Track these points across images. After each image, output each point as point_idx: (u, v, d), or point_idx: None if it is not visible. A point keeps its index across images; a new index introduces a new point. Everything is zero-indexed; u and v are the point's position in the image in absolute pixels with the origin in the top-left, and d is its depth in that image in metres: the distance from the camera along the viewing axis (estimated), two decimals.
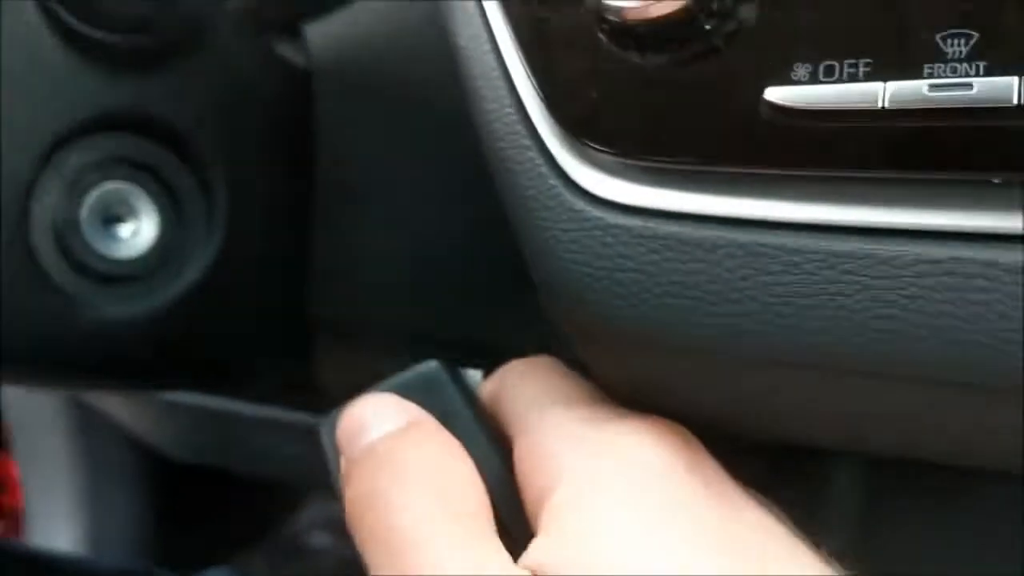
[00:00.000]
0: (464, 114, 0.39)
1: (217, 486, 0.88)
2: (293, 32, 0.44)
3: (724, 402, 0.26)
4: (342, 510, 0.28)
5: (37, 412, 0.92)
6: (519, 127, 0.25)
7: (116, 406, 0.79)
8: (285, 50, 0.44)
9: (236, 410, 0.66)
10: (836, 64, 0.21)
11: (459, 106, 0.40)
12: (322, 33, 0.45)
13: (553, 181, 0.25)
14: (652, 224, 0.23)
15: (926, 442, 0.24)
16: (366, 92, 0.44)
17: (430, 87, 0.42)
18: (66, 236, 0.38)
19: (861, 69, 0.21)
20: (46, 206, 0.38)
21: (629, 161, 0.24)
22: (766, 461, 0.41)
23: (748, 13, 0.23)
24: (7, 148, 0.36)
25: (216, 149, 0.41)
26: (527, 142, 0.25)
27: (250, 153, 0.43)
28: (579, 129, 0.25)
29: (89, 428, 0.89)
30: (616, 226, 0.24)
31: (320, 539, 0.97)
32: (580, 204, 0.24)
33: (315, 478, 0.35)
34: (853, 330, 0.21)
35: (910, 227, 0.21)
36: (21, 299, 0.38)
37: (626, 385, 0.26)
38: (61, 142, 0.38)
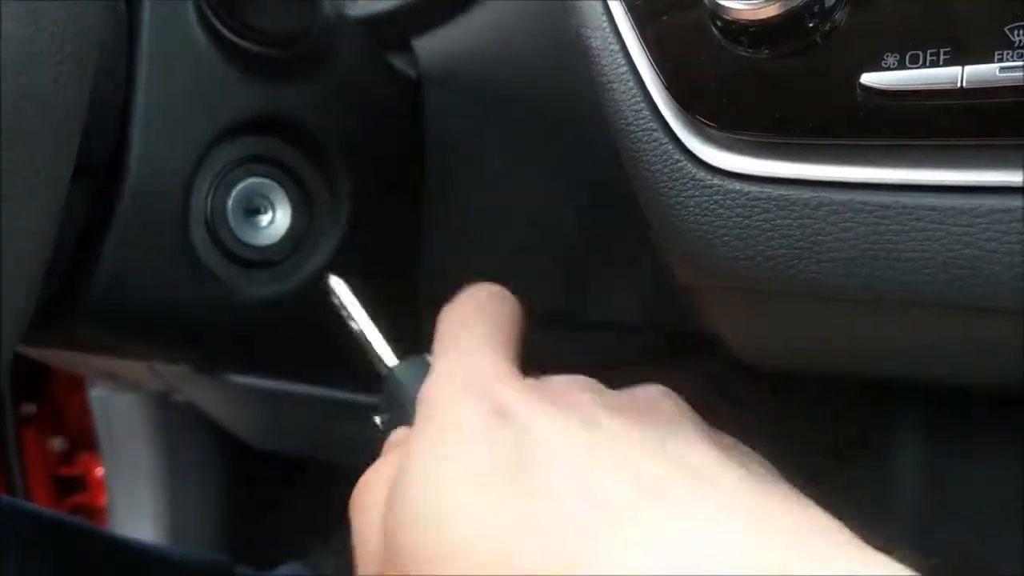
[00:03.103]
0: (560, 115, 0.44)
1: (293, 481, 0.92)
2: (404, 46, 0.50)
3: (825, 341, 0.30)
4: None
5: (122, 413, 0.97)
6: (646, 112, 0.30)
7: (204, 396, 0.83)
8: (398, 61, 0.49)
9: (321, 395, 0.70)
10: (920, 53, 0.26)
11: (555, 109, 0.45)
12: (429, 46, 0.50)
13: (677, 156, 0.29)
14: (764, 189, 0.28)
15: (985, 366, 0.28)
16: (469, 98, 0.49)
17: (527, 94, 0.47)
18: (216, 225, 0.43)
19: (941, 56, 0.26)
20: (199, 199, 0.43)
21: (742, 137, 0.29)
22: (831, 444, 0.45)
23: (842, 14, 0.28)
24: (173, 147, 0.41)
25: (341, 149, 0.46)
26: (653, 124, 0.30)
27: (369, 153, 0.48)
28: (698, 111, 0.29)
29: (171, 427, 0.94)
30: (733, 191, 0.28)
31: None
32: (701, 174, 0.29)
33: None
34: (939, 268, 0.25)
35: (984, 184, 0.25)
36: (179, 281, 0.43)
37: (740, 331, 0.31)
38: (215, 142, 0.43)
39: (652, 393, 0.31)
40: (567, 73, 0.39)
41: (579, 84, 0.36)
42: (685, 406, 0.30)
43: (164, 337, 0.46)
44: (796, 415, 0.45)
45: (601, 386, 0.30)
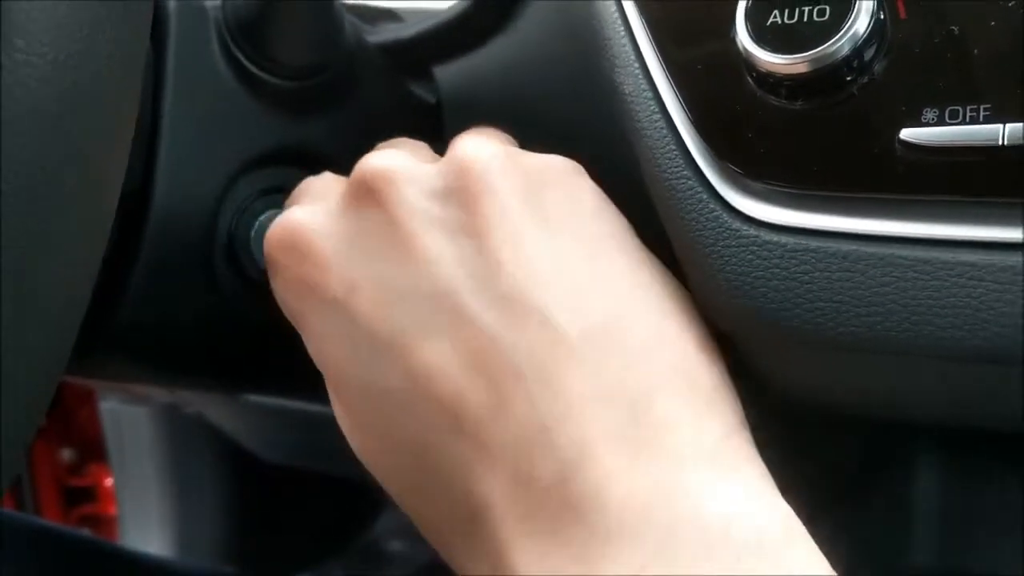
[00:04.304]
0: (584, 145, 0.44)
1: (301, 492, 0.92)
2: (424, 73, 0.50)
3: (864, 388, 0.30)
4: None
5: (131, 424, 0.97)
6: (680, 160, 0.30)
7: (214, 411, 0.84)
8: (418, 88, 0.49)
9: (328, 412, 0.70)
10: (960, 108, 0.26)
11: (577, 140, 0.45)
12: (449, 73, 0.50)
13: (712, 205, 0.29)
14: (802, 241, 0.28)
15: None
16: (489, 125, 0.49)
17: (548, 123, 0.47)
18: (237, 253, 0.43)
19: (982, 113, 0.26)
20: (223, 230, 0.43)
21: (778, 188, 0.29)
22: (856, 459, 0.45)
23: (880, 66, 0.28)
24: (198, 181, 0.41)
25: None
26: (687, 172, 0.30)
27: None
28: (733, 160, 0.29)
29: (180, 439, 0.94)
30: (770, 243, 0.28)
31: (397, 545, 1.00)
32: (737, 224, 0.29)
33: None
34: (979, 325, 0.26)
35: None
36: (203, 312, 0.43)
37: (773, 372, 0.31)
38: (238, 175, 0.43)
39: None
40: (592, 105, 0.39)
41: (604, 116, 0.36)
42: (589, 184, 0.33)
43: (188, 366, 0.46)
44: (812, 439, 0.46)
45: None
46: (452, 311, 0.29)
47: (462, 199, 0.31)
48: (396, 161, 0.33)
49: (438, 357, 0.28)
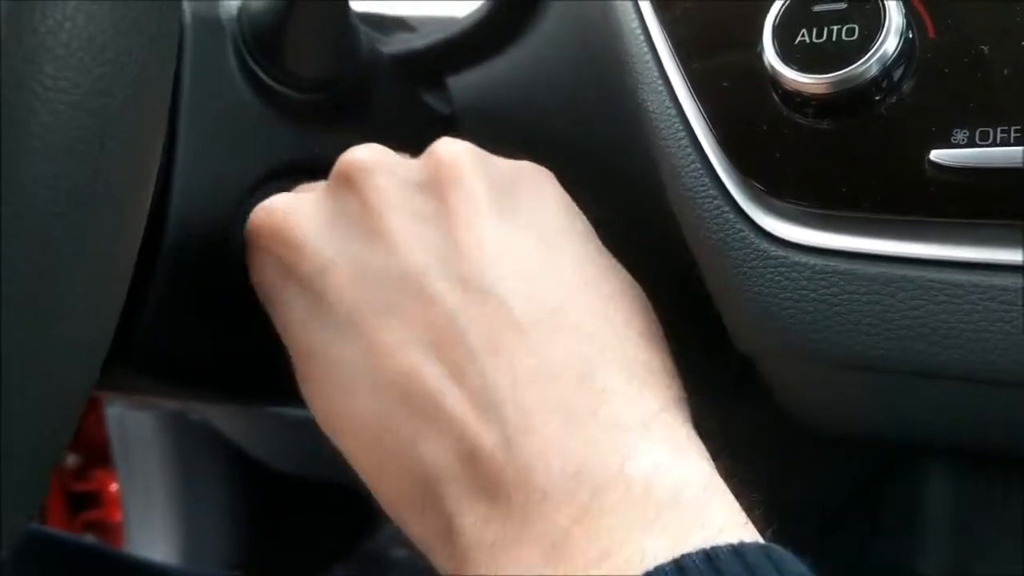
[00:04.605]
0: (602, 157, 0.44)
1: (306, 500, 0.92)
2: (438, 84, 0.49)
3: (888, 412, 0.30)
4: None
5: (137, 429, 0.97)
6: (706, 179, 0.30)
7: (221, 416, 0.84)
8: (431, 99, 0.49)
9: None
10: (990, 130, 0.26)
11: (596, 151, 0.45)
12: (463, 83, 0.50)
13: (739, 225, 0.29)
14: (831, 263, 0.28)
15: None
16: (503, 137, 0.49)
17: (564, 134, 0.46)
18: None
19: (1012, 134, 0.26)
20: (239, 239, 0.43)
21: (808, 208, 0.28)
22: (866, 467, 0.45)
23: (908, 86, 0.27)
24: (213, 196, 0.41)
25: None
26: (713, 191, 0.30)
27: None
28: (760, 180, 0.29)
29: (187, 444, 0.94)
30: (799, 264, 0.28)
31: (401, 553, 1.00)
32: (764, 245, 0.29)
33: None
34: (1012, 349, 0.25)
35: None
36: (219, 327, 0.43)
37: (797, 394, 0.31)
38: (253, 188, 0.43)
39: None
40: (608, 118, 0.39)
41: (622, 129, 0.36)
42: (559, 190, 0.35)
43: (207, 380, 0.46)
44: (823, 447, 0.45)
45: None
46: (416, 291, 0.30)
47: (435, 190, 0.33)
48: (376, 153, 0.35)
49: (397, 334, 0.30)
